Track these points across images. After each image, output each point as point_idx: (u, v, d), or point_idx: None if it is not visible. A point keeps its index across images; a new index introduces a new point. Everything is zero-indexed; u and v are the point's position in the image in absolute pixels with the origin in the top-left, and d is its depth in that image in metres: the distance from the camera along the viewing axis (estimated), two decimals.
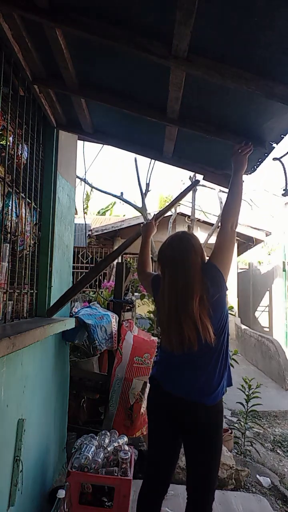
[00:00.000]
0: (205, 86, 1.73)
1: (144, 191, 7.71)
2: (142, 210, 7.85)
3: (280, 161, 1.92)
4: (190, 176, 7.31)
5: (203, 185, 7.22)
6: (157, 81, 1.77)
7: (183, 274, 1.71)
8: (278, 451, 4.38)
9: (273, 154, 2.04)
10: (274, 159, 1.95)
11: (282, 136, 1.90)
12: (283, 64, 1.45)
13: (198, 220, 9.31)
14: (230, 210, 1.84)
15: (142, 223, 2.61)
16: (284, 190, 1.97)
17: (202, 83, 1.69)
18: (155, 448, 1.89)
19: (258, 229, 12.27)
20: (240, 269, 14.54)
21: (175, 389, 1.76)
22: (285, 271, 10.71)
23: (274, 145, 1.98)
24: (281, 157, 1.91)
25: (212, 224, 9.14)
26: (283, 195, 1.98)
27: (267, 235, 12.49)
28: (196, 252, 1.75)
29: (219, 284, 1.73)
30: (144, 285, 2.26)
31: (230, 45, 1.45)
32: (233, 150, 1.94)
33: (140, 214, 8.41)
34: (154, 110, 2.03)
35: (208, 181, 2.62)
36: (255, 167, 2.20)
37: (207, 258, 1.82)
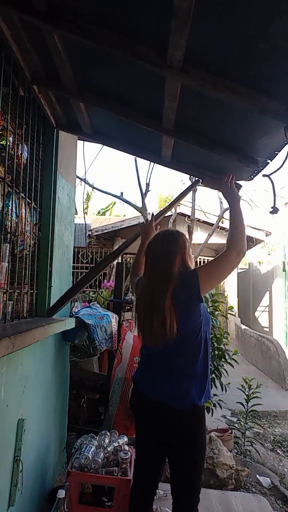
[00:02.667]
0: (200, 98, 1.73)
1: (144, 191, 7.71)
2: (142, 210, 7.85)
3: (270, 178, 1.92)
4: (190, 176, 7.31)
5: (203, 185, 7.22)
6: (154, 90, 1.78)
7: (162, 267, 1.74)
8: (278, 451, 4.38)
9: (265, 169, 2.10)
10: (264, 175, 1.96)
11: (276, 152, 1.91)
12: (277, 79, 1.44)
13: (198, 220, 9.32)
14: (235, 240, 1.72)
15: (141, 222, 2.60)
16: (272, 207, 1.97)
17: (198, 95, 1.69)
18: (140, 452, 1.90)
19: (258, 229, 12.28)
20: (240, 269, 14.53)
21: (150, 391, 1.77)
22: (285, 271, 10.71)
23: (268, 161, 2.00)
24: (271, 174, 1.91)
25: (212, 224, 9.14)
26: (271, 212, 1.97)
27: (267, 235, 12.49)
28: (178, 249, 1.77)
29: (191, 293, 1.69)
30: (131, 285, 2.28)
31: (226, 58, 1.44)
32: (219, 186, 1.96)
33: (140, 214, 8.42)
34: (151, 119, 2.04)
35: (207, 186, 2.63)
36: (252, 176, 2.25)
37: (192, 266, 1.82)
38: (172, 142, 2.25)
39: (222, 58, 1.45)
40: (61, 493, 1.85)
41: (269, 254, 13.67)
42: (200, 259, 11.64)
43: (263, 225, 12.59)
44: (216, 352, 3.81)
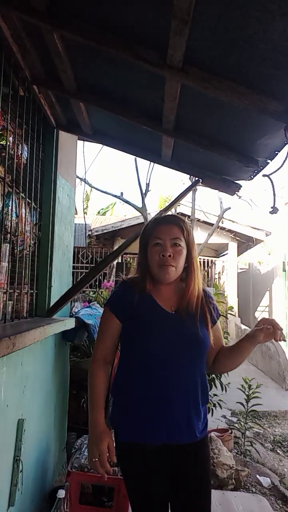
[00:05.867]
0: (200, 98, 1.73)
1: (144, 191, 7.71)
2: (142, 210, 7.85)
3: (269, 178, 1.92)
4: (190, 176, 7.32)
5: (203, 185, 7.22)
6: (154, 90, 1.78)
7: None
8: (278, 451, 4.37)
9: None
10: (264, 175, 1.96)
11: (276, 152, 1.92)
12: (277, 79, 1.44)
13: (198, 220, 9.32)
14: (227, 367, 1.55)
15: (142, 223, 2.61)
16: (272, 207, 1.97)
17: (198, 95, 1.69)
18: None
19: (258, 229, 12.27)
20: (240, 269, 14.53)
21: None
22: (285, 271, 10.71)
23: (268, 161, 2.01)
24: (271, 174, 1.91)
25: (212, 224, 9.14)
26: (271, 212, 1.97)
27: (267, 235, 12.49)
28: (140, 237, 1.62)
29: None
30: None
31: (225, 58, 1.44)
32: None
33: (140, 214, 8.42)
34: (151, 119, 2.04)
35: (207, 186, 2.63)
36: (252, 176, 2.27)
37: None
38: (172, 142, 2.25)
39: (222, 58, 1.45)
40: (61, 493, 1.85)
41: (269, 254, 13.68)
42: (200, 259, 11.66)
43: (263, 225, 12.59)
44: None
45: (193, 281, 1.46)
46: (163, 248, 1.41)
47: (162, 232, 1.44)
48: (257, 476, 3.35)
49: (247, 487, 3.10)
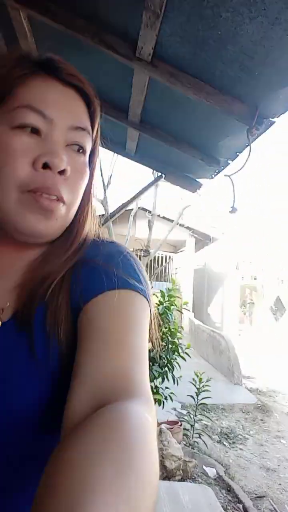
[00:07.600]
0: (168, 94, 1.74)
1: (106, 183, 7.66)
2: (104, 201, 7.79)
3: (230, 179, 1.98)
4: (153, 171, 7.35)
5: (166, 181, 7.27)
6: (122, 82, 1.77)
7: None
8: (224, 443, 4.54)
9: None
10: (225, 175, 2.02)
11: (237, 153, 1.97)
12: (242, 82, 1.47)
13: (159, 215, 9.40)
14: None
15: (102, 215, 2.57)
16: (231, 207, 2.03)
17: (165, 90, 1.70)
18: None
19: (214, 227, 12.59)
20: (197, 265, 14.86)
21: None
22: (238, 268, 11.09)
23: (230, 161, 2.07)
24: (232, 174, 1.97)
25: (172, 220, 9.26)
26: (230, 212, 2.03)
27: (223, 233, 12.84)
28: None
29: None
30: None
31: (195, 56, 1.45)
32: None
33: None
34: (117, 111, 2.03)
35: (169, 182, 2.66)
36: (213, 175, 2.33)
37: None
38: (137, 136, 2.24)
39: (191, 55, 1.46)
40: None
41: (224, 252, 14.08)
42: (159, 254, 11.78)
43: (220, 223, 12.93)
44: (170, 346, 3.87)
45: (77, 237, 0.59)
46: (50, 146, 0.52)
47: (49, 98, 0.55)
48: (204, 467, 3.46)
49: (193, 477, 3.19)
